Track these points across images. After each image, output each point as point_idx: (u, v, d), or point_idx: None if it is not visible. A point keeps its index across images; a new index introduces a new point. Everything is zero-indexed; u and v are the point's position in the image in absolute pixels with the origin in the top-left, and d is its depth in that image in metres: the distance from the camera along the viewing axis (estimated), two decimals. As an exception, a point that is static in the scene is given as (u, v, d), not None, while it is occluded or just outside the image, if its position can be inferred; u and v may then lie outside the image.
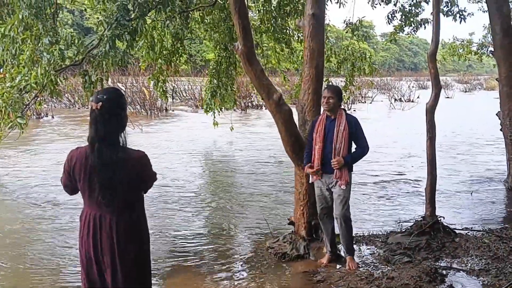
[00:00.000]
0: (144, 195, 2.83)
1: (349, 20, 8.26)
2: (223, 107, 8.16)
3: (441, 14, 7.64)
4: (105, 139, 2.57)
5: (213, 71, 7.62)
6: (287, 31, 8.23)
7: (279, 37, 8.08)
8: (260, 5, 7.94)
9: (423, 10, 10.24)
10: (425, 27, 10.13)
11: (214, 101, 7.81)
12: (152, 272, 2.89)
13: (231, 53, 7.62)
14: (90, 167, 2.58)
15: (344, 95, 9.27)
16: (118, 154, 2.58)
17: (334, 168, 4.34)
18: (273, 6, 7.83)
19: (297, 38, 8.57)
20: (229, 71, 7.84)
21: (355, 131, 4.41)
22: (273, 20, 7.83)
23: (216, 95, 7.72)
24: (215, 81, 7.63)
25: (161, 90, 7.39)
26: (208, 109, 8.03)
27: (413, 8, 10.16)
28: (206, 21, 7.49)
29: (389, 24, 10.29)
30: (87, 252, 2.63)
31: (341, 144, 4.35)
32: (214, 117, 8.48)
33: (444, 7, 9.87)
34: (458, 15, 9.96)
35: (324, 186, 4.51)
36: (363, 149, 4.44)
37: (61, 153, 10.91)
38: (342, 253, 4.78)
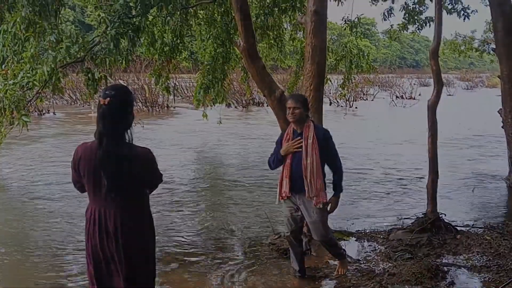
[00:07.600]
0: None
1: (347, 17, 8.23)
2: (216, 103, 8.13)
3: (444, 11, 7.64)
4: (111, 134, 2.58)
5: (208, 67, 7.60)
6: (280, 29, 8.19)
7: (269, 34, 8.05)
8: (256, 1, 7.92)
9: (427, 8, 10.19)
10: (429, 25, 10.06)
11: (206, 97, 7.79)
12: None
13: (228, 49, 7.61)
14: (95, 162, 2.60)
15: (343, 92, 9.30)
16: (124, 150, 2.60)
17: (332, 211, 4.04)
18: (267, 2, 7.80)
19: (289, 36, 8.56)
20: (224, 67, 7.83)
21: (326, 145, 3.96)
22: (265, 16, 7.80)
23: (209, 91, 7.69)
24: (210, 76, 7.61)
25: (163, 86, 7.40)
26: (198, 104, 8.01)
27: (416, 6, 10.12)
28: (201, 15, 7.47)
29: (385, 20, 10.27)
30: (94, 246, 2.65)
31: (311, 159, 3.88)
32: (204, 112, 8.42)
33: (448, 4, 9.84)
34: (462, 12, 9.93)
35: (294, 206, 4.08)
36: (339, 170, 4.03)
37: (61, 148, 10.95)
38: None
